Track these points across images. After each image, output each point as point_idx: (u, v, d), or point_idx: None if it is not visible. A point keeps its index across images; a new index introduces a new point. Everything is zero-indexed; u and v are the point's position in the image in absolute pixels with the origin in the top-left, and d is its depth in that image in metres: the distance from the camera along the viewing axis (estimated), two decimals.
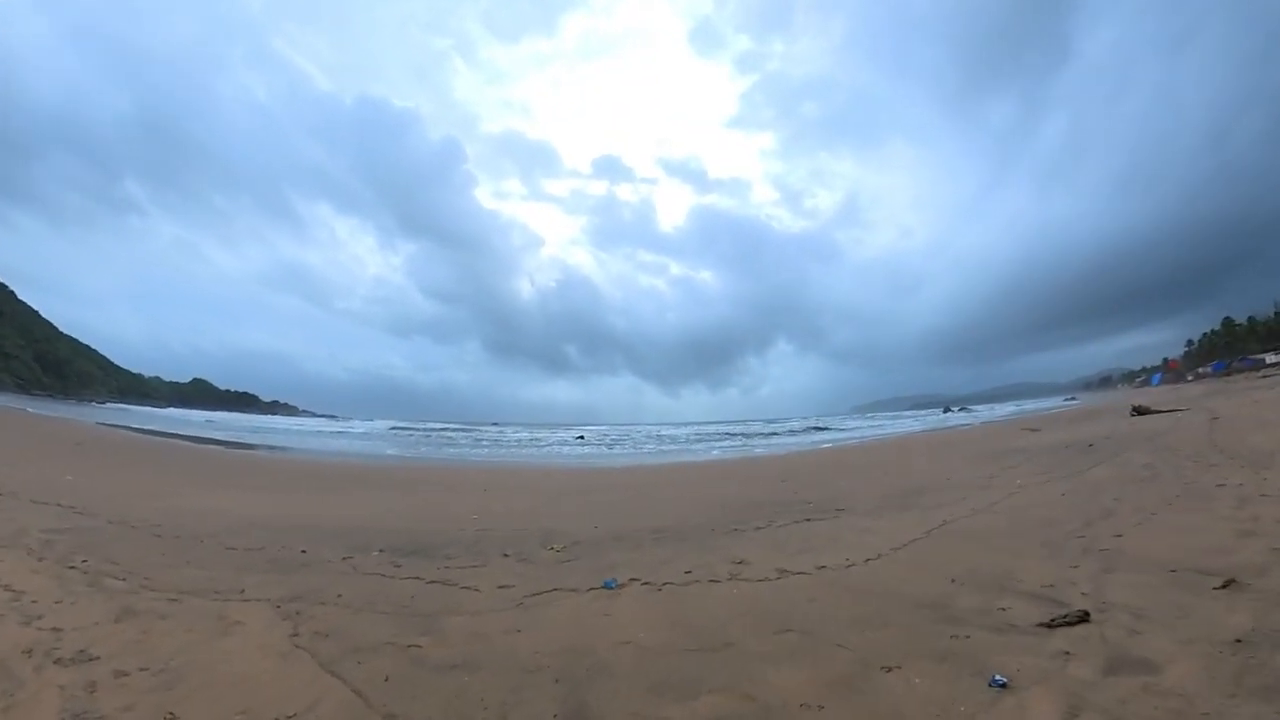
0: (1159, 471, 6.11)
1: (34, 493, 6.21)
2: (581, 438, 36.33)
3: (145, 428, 23.70)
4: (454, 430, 46.15)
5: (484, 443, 28.96)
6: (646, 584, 3.64)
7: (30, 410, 28.71)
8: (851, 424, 46.57)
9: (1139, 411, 15.06)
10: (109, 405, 64.35)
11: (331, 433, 35.08)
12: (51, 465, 9.36)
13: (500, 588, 3.59)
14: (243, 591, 3.35)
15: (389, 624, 2.94)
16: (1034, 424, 17.76)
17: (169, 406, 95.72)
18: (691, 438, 33.16)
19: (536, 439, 33.18)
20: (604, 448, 25.72)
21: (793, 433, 36.73)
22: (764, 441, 26.51)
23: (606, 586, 3.57)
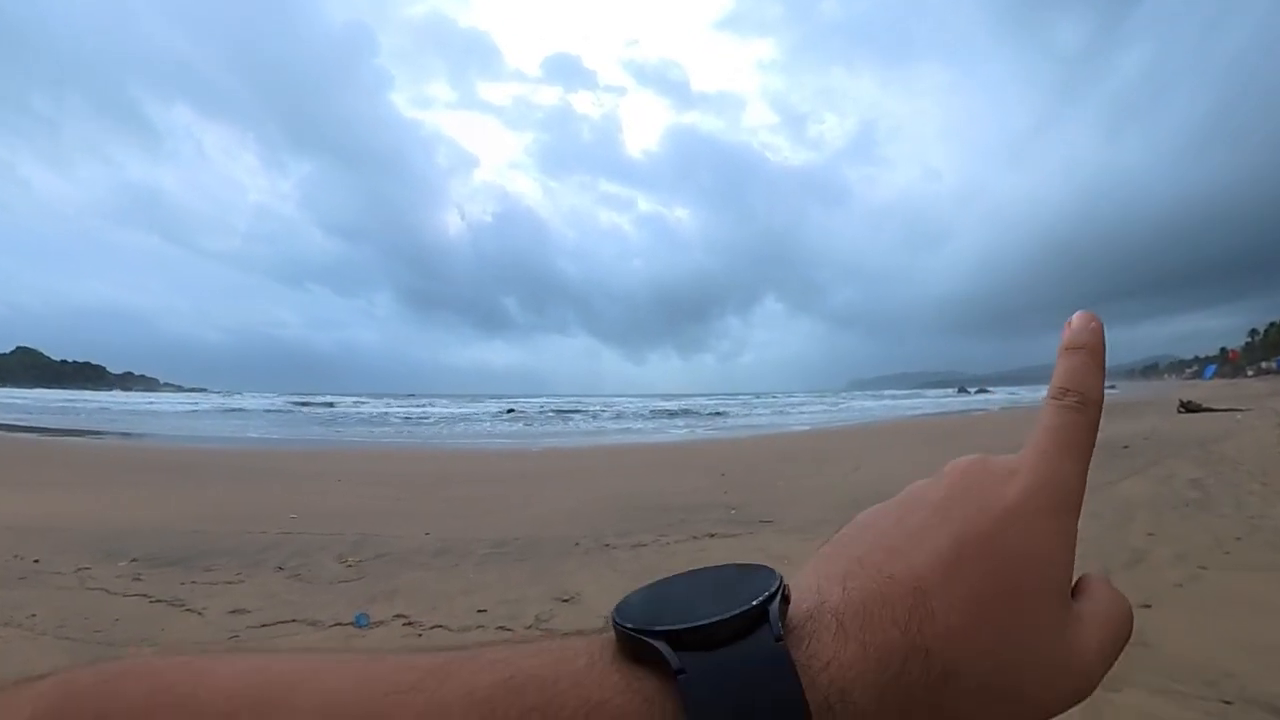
0: (1211, 494, 5.87)
1: None
2: (511, 411, 36.50)
3: None
4: (357, 404, 45.34)
5: (386, 420, 28.50)
6: (410, 624, 3.38)
7: None
8: (842, 403, 48.05)
9: (1187, 408, 15.43)
10: None
11: (182, 412, 33.60)
12: None
13: (231, 613, 3.58)
14: None
15: (63, 653, 3.00)
16: None
17: None
18: (648, 414, 34.06)
19: (454, 415, 32.94)
20: (533, 425, 25.76)
21: (776, 410, 37.59)
22: (732, 421, 26.82)
23: (356, 624, 3.41)
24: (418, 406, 44.03)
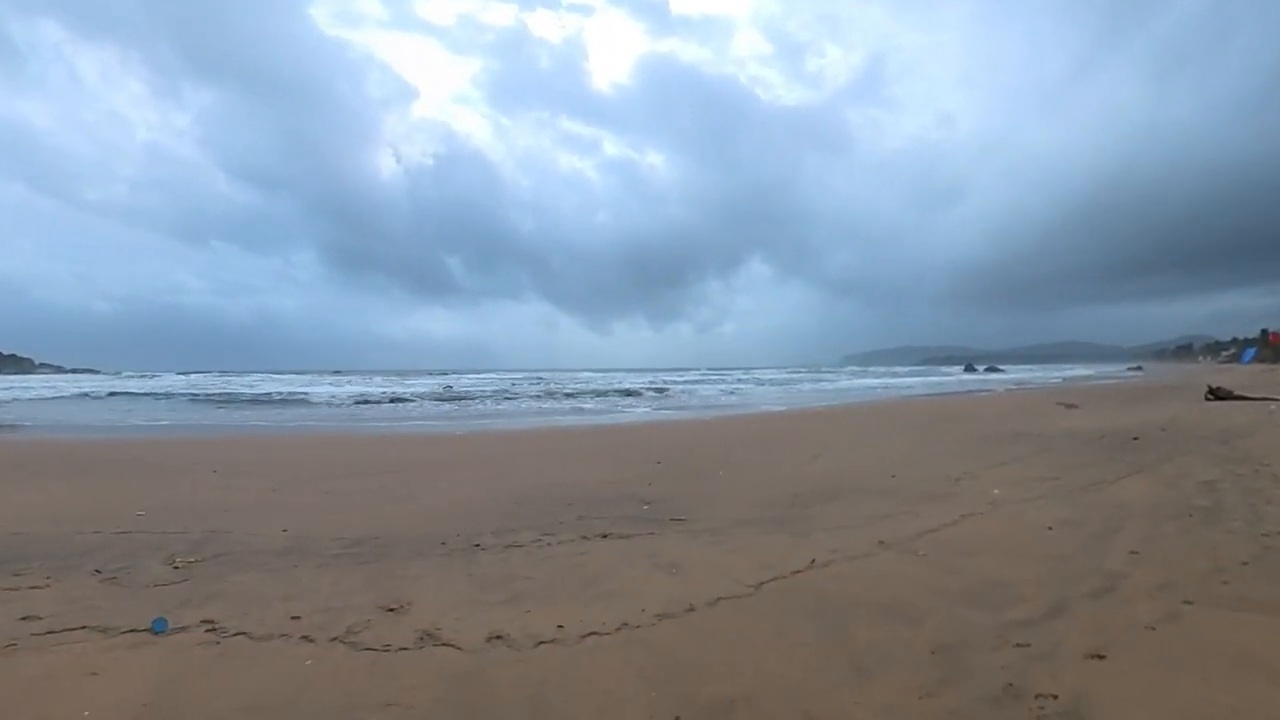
0: (1224, 501, 5.65)
1: None
2: (448, 389, 36.72)
3: None
4: (265, 382, 44.79)
5: (299, 402, 28.37)
6: (214, 630, 3.55)
7: None
8: (830, 381, 49.07)
9: (1215, 395, 15.91)
10: None
11: (46, 398, 32.83)
12: None
13: (21, 619, 3.72)
14: None
15: None
16: (1074, 398, 18.97)
17: None
18: (604, 392, 34.38)
19: (380, 395, 32.90)
20: (468, 406, 26.02)
21: (753, 388, 38.39)
22: (697, 400, 27.24)
23: (154, 630, 3.57)
24: (340, 385, 43.65)
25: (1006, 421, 13.33)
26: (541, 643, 3.27)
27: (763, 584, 3.99)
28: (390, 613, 3.74)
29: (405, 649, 3.25)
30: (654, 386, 39.25)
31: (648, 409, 23.84)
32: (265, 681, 2.97)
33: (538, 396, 31.42)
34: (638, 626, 3.44)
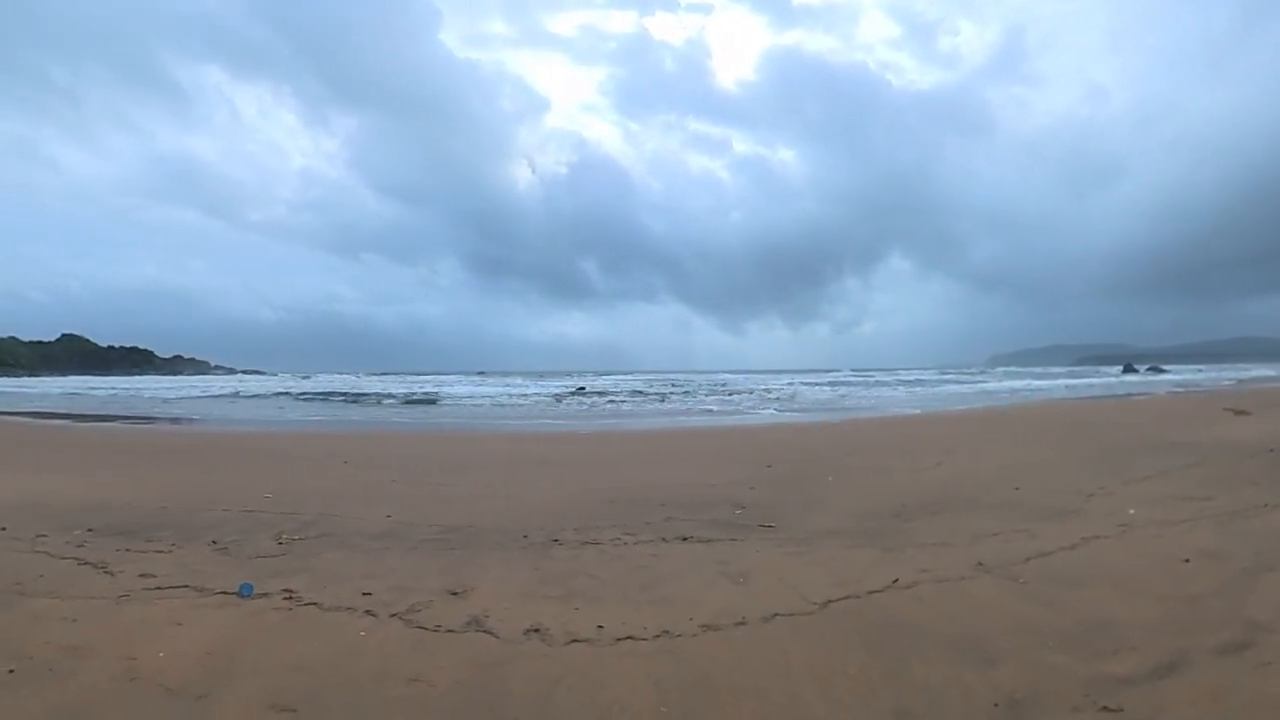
0: None
1: None
2: (581, 390, 37.86)
3: None
4: (419, 383, 48.28)
5: (435, 401, 30.50)
6: (290, 599, 3.95)
7: None
8: (972, 382, 46.32)
9: None
10: None
11: (215, 396, 37.37)
12: None
13: (140, 576, 4.33)
14: None
15: None
16: (1246, 403, 16.92)
17: (33, 374, 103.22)
18: (732, 393, 34.21)
19: (516, 395, 34.62)
20: (597, 406, 26.81)
21: (891, 390, 37.08)
22: (830, 402, 26.53)
23: (241, 593, 4.01)
24: (479, 385, 46.24)
25: (1161, 429, 11.95)
26: (575, 641, 3.33)
27: (830, 602, 3.80)
28: (452, 596, 3.98)
29: (451, 631, 3.45)
30: (784, 388, 38.65)
31: (773, 411, 23.51)
32: (317, 646, 3.27)
33: (665, 397, 31.80)
34: (678, 635, 3.40)
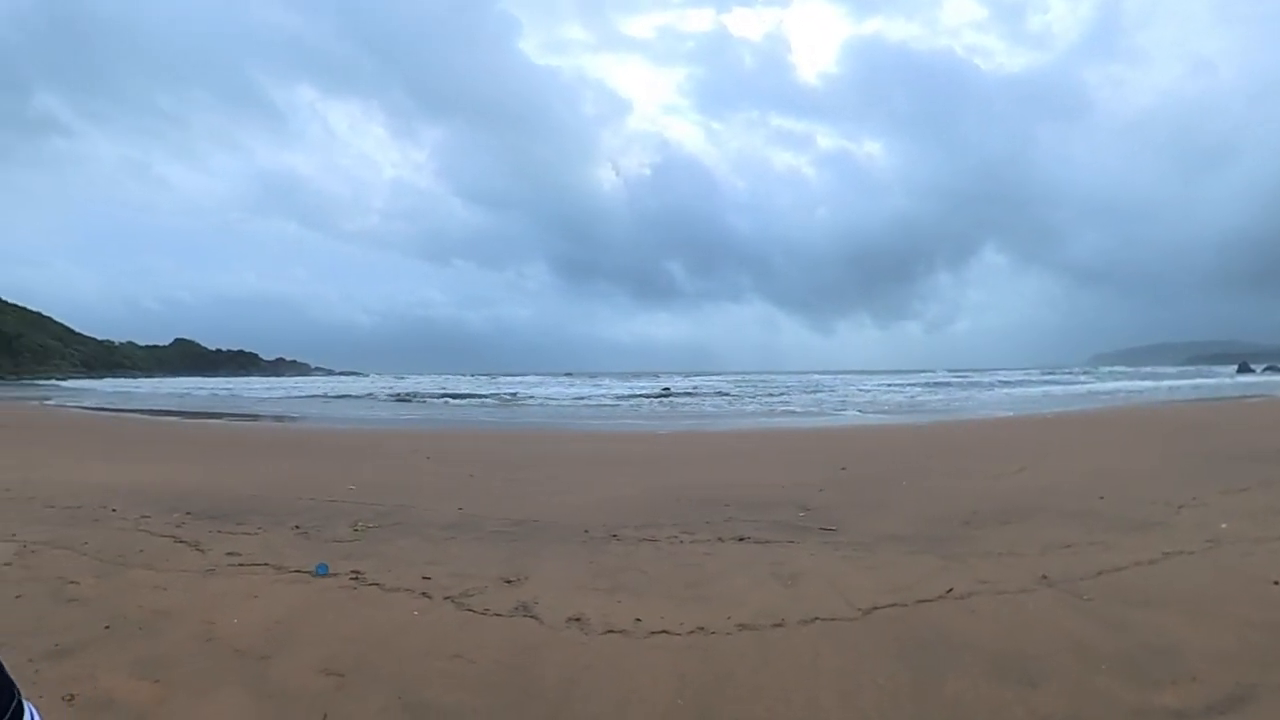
0: None
1: None
2: (667, 391, 38.12)
3: (99, 406, 30.52)
4: (506, 384, 49.82)
5: (519, 399, 31.42)
6: (357, 578, 4.30)
7: None
8: (1070, 383, 43.97)
9: None
10: (70, 382, 76.93)
11: (310, 395, 39.91)
12: None
13: (227, 554, 4.84)
14: (14, 535, 5.21)
15: (88, 562, 4.56)
16: None
17: (149, 376, 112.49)
18: (813, 392, 34.03)
19: (601, 395, 35.34)
20: (679, 406, 27.05)
21: (983, 390, 35.89)
22: (914, 402, 25.82)
23: (317, 572, 4.38)
24: (566, 386, 47.22)
25: (1273, 435, 11.08)
26: (611, 631, 3.45)
27: (875, 609, 3.74)
28: (506, 584, 4.21)
29: (498, 615, 3.65)
30: (872, 389, 37.79)
31: (855, 413, 23.13)
32: (372, 622, 3.56)
33: (749, 398, 31.67)
34: (712, 633, 3.46)
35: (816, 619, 3.62)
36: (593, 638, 3.39)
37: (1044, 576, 4.23)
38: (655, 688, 2.89)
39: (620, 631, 3.47)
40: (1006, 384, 42.51)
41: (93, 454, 11.58)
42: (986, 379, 50.85)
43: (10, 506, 6.46)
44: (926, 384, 43.57)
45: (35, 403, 32.75)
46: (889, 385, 42.21)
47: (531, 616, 3.63)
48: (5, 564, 4.54)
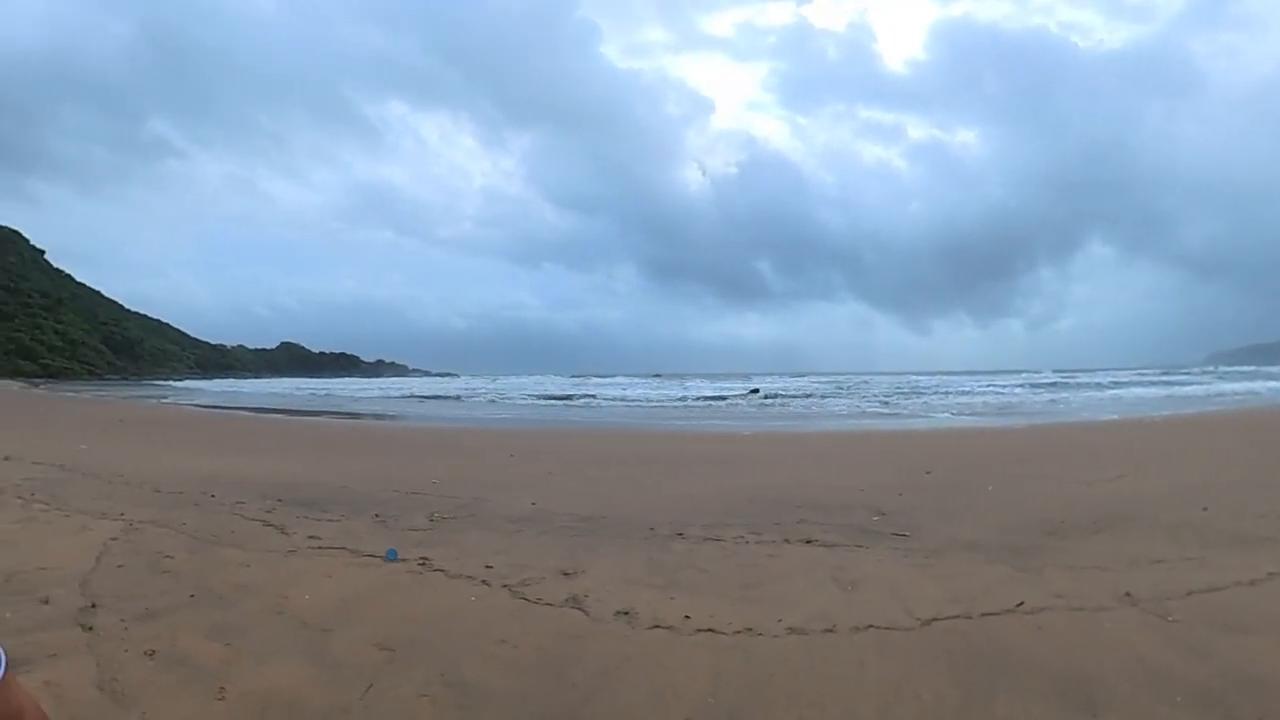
0: None
1: (39, 457, 9.32)
2: (755, 392, 37.91)
3: (208, 404, 33.12)
4: (595, 385, 50.88)
5: (607, 402, 32.00)
6: (424, 564, 4.60)
7: (88, 395, 42.21)
8: (1184, 384, 40.86)
9: None
10: (184, 382, 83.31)
11: (402, 395, 41.94)
12: (75, 438, 13.75)
13: (309, 537, 5.28)
14: (122, 514, 5.80)
15: (184, 540, 5.08)
16: None
17: (257, 377, 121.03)
18: (904, 393, 33.22)
19: (688, 396, 35.53)
20: (765, 407, 26.91)
21: (1089, 391, 34.18)
22: (1014, 404, 24.62)
23: (388, 557, 4.68)
24: (654, 388, 47.58)
25: None
26: (658, 627, 3.50)
27: (934, 620, 3.62)
28: (563, 576, 4.35)
29: (549, 605, 3.78)
30: (969, 390, 36.35)
31: (949, 415, 22.34)
32: (432, 605, 3.79)
33: (838, 399, 31.09)
34: (760, 635, 3.45)
35: (870, 626, 3.55)
36: (638, 632, 3.45)
37: (1127, 594, 3.98)
38: (690, 685, 2.91)
39: (667, 627, 3.50)
40: (1116, 385, 39.86)
41: (200, 447, 12.54)
42: (1094, 379, 47.98)
43: (123, 490, 7.08)
44: (1028, 385, 41.43)
45: (154, 400, 35.79)
46: (988, 386, 40.32)
47: (580, 608, 3.73)
48: (112, 539, 5.02)
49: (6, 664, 0.67)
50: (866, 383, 48.50)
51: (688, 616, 3.64)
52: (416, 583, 4.14)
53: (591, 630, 3.46)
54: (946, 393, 35.12)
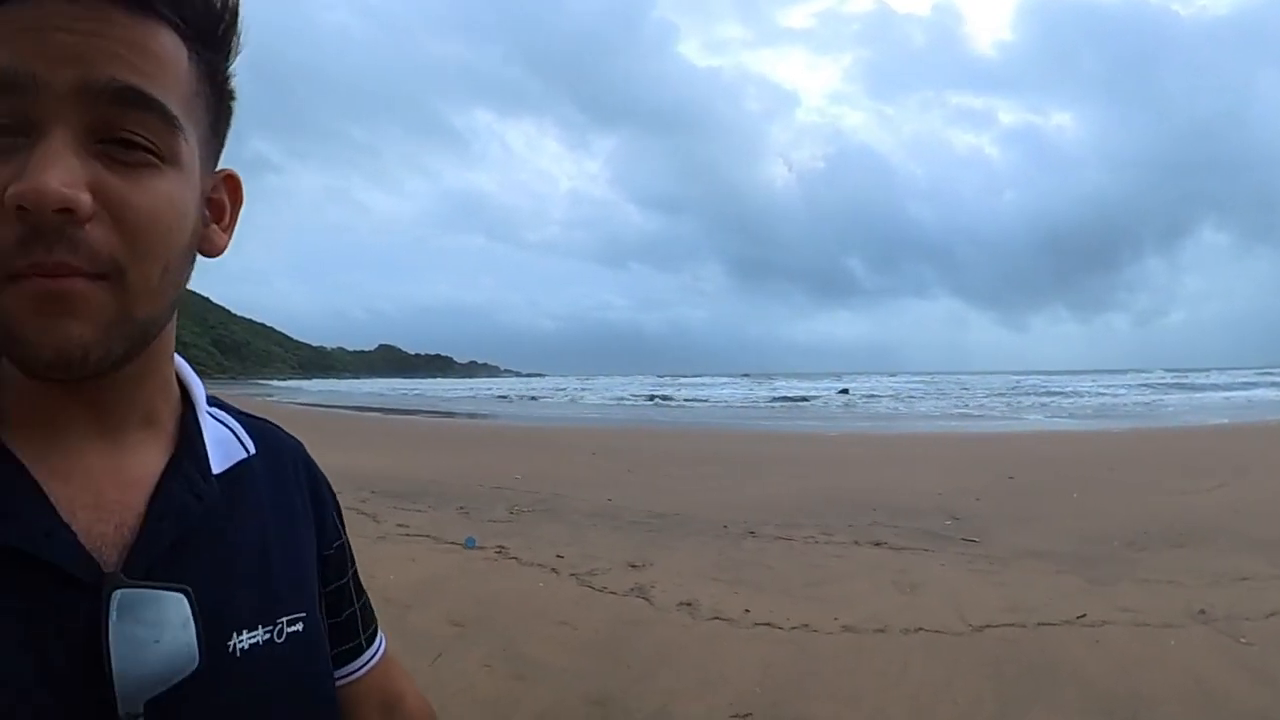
0: None
1: None
2: (844, 392, 37.41)
3: (308, 402, 35.28)
4: (680, 385, 51.20)
5: (691, 403, 32.23)
6: (500, 552, 4.93)
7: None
8: None
9: None
10: (287, 382, 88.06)
11: (492, 396, 43.36)
12: None
13: (397, 525, 5.66)
14: None
15: None
16: None
17: (355, 377, 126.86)
18: (998, 395, 31.88)
19: (764, 396, 35.21)
20: (851, 407, 26.54)
21: (1215, 387, 31.97)
22: (1116, 407, 23.31)
23: (466, 545, 5.03)
24: (741, 388, 47.46)
25: None
26: (717, 618, 3.67)
27: (987, 627, 3.62)
28: (631, 568, 4.57)
29: (614, 593, 4.03)
30: (1063, 391, 34.68)
31: (1040, 417, 21.43)
32: (502, 588, 4.10)
33: (929, 400, 30.24)
34: (815, 631, 3.56)
35: (921, 629, 3.60)
36: (698, 622, 3.63)
37: (1201, 611, 3.83)
38: (740, 673, 3.07)
39: (726, 619, 3.67)
40: (1237, 386, 37.04)
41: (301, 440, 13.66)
42: (1210, 379, 44.71)
43: None
44: (1133, 386, 39.04)
45: (259, 399, 38.31)
46: (1088, 387, 38.28)
47: (644, 598, 3.95)
48: None
49: (385, 647, 0.72)
50: (960, 383, 46.97)
51: (748, 610, 3.79)
52: (491, 568, 4.47)
53: (652, 618, 3.67)
54: (1044, 393, 33.66)
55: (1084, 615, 3.77)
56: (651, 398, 36.69)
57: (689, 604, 3.86)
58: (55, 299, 0.41)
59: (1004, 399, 29.98)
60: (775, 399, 33.70)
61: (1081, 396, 31.23)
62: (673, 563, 4.72)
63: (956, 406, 26.05)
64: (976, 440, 14.45)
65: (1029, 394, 33.70)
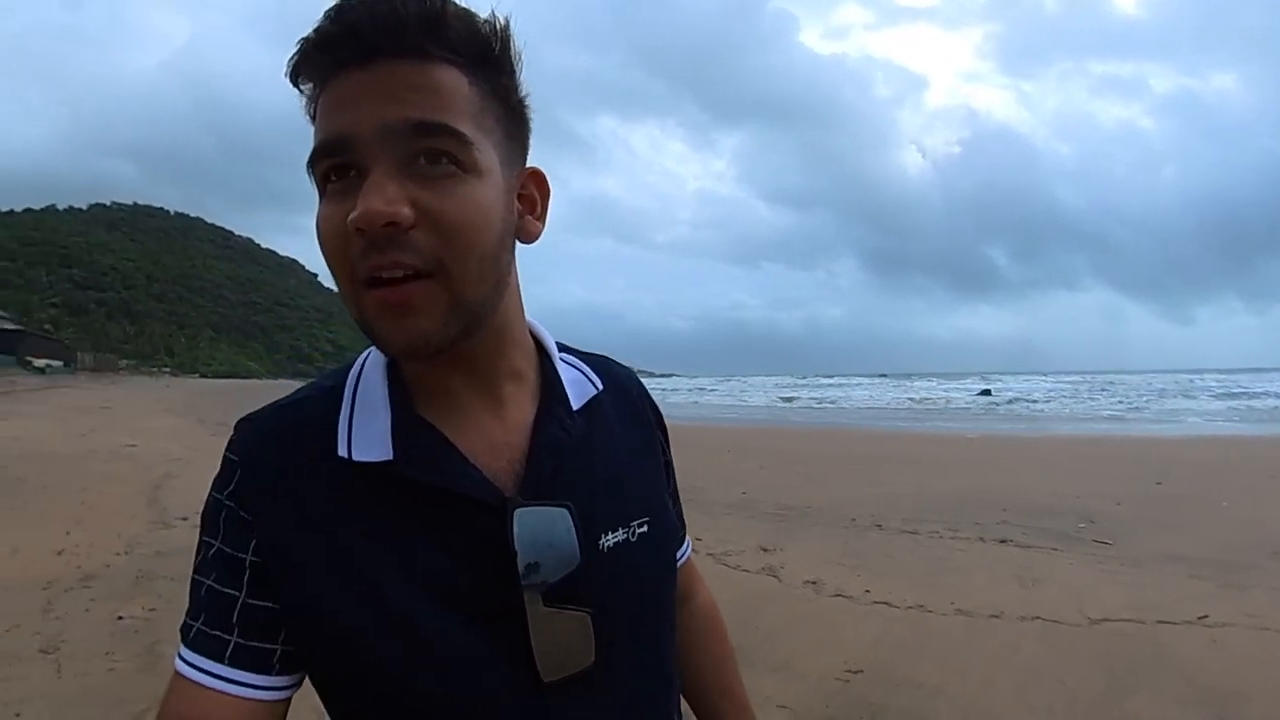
0: None
1: None
2: (987, 393, 36.03)
3: None
4: (820, 385, 50.63)
5: (825, 404, 31.88)
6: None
7: None
8: None
9: None
10: None
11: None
12: None
13: None
14: None
15: None
16: None
17: None
18: (1157, 394, 29.58)
19: (901, 397, 34.29)
20: (993, 407, 25.57)
21: None
22: None
23: None
24: (877, 389, 46.30)
25: None
26: (839, 595, 4.07)
27: (1105, 621, 3.73)
28: (762, 551, 5.09)
29: (745, 571, 4.52)
30: (1231, 392, 31.37)
31: (1200, 419, 19.77)
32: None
33: (1078, 400, 28.45)
34: (929, 612, 3.84)
35: (1037, 618, 3.76)
36: (821, 598, 4.06)
37: None
38: (856, 641, 3.46)
39: (846, 597, 4.07)
40: None
41: None
42: None
43: None
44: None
45: None
46: (1272, 388, 34.50)
47: (773, 576, 4.43)
48: None
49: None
50: (1114, 383, 43.52)
51: (868, 590, 4.17)
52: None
53: (780, 593, 4.14)
54: (1208, 394, 30.77)
55: (1205, 616, 3.82)
56: (789, 399, 36.62)
57: (814, 582, 4.30)
58: (399, 305, 0.52)
59: (1163, 400, 27.68)
60: (912, 401, 32.80)
61: (1249, 398, 28.18)
62: (801, 548, 5.14)
63: (1109, 408, 24.38)
64: (1126, 443, 13.69)
65: (1192, 394, 30.75)
